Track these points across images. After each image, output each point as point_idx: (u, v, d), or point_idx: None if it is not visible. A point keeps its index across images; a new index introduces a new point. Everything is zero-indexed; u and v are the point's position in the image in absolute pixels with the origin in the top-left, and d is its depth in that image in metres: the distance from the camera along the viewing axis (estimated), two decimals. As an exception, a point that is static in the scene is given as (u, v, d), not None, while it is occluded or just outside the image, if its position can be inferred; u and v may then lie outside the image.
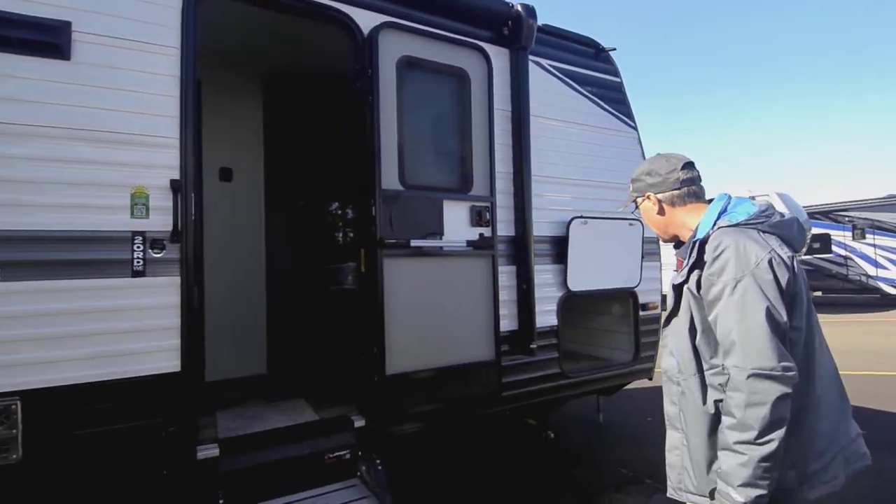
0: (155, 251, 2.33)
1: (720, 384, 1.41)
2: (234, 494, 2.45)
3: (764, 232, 1.45)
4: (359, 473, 2.83)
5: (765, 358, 1.29)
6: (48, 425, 2.10)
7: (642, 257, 3.92)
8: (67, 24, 2.20)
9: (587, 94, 3.90)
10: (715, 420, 1.43)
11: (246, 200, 4.50)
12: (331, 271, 4.39)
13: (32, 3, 2.15)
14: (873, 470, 1.59)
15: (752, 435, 1.29)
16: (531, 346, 3.34)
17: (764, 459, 1.28)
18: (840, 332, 9.64)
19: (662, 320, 1.72)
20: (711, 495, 1.45)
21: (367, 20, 2.96)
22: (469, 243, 3.12)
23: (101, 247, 2.22)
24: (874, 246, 13.75)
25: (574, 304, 3.76)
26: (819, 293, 14.72)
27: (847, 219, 14.39)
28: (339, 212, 5.39)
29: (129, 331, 2.26)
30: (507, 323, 3.30)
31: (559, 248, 3.58)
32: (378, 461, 2.77)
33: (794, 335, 1.39)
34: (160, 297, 2.34)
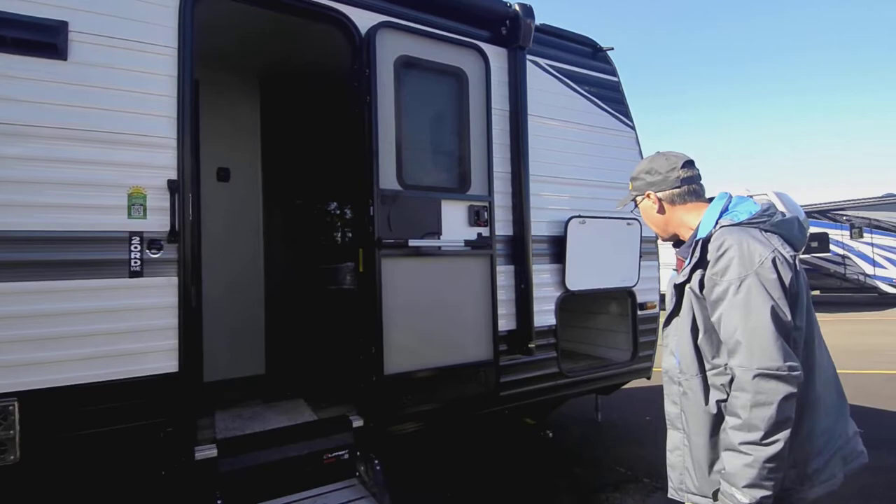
0: (152, 251, 2.32)
1: (723, 384, 1.41)
2: (232, 495, 2.44)
3: (766, 231, 1.44)
4: (357, 473, 2.83)
5: (770, 358, 1.29)
6: (46, 426, 2.09)
7: (640, 257, 3.92)
8: (64, 24, 2.19)
9: (585, 93, 3.89)
10: (717, 420, 1.43)
11: (244, 201, 4.48)
12: (329, 271, 4.40)
13: (29, 2, 2.14)
14: (871, 468, 1.59)
15: (757, 435, 1.28)
16: (529, 345, 3.33)
17: (769, 460, 1.27)
18: (838, 331, 9.68)
19: (661, 320, 1.71)
20: (713, 496, 1.44)
21: (364, 20, 2.95)
22: (467, 243, 3.12)
23: (99, 247, 2.22)
24: (872, 245, 13.78)
25: (572, 304, 3.76)
26: (817, 292, 14.75)
27: (845, 218, 14.42)
28: (338, 212, 5.39)
29: (127, 331, 2.26)
30: (506, 322, 3.30)
31: (557, 248, 3.57)
32: (376, 461, 2.77)
33: (795, 334, 1.38)
34: (158, 297, 2.33)
